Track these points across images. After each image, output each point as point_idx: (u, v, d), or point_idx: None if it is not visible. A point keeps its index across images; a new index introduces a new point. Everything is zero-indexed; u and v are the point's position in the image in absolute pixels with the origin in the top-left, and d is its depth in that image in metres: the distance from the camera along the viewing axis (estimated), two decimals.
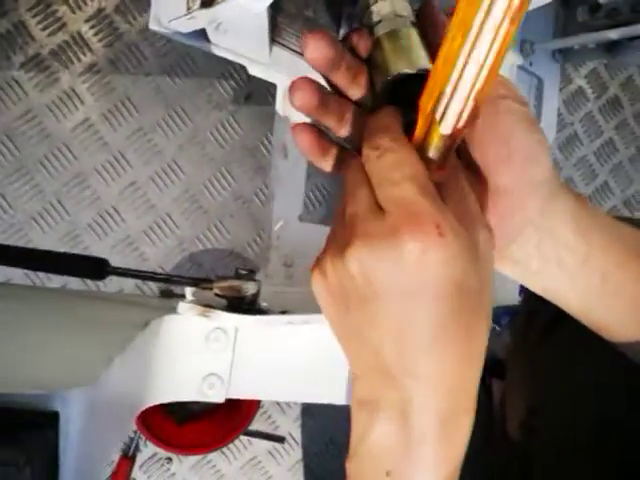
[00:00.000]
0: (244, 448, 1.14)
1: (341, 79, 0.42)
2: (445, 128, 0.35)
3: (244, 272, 0.55)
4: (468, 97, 0.33)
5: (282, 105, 0.65)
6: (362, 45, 0.42)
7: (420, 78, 0.41)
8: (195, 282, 0.57)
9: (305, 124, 0.43)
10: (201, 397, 0.60)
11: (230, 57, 0.56)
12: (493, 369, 1.19)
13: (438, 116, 0.35)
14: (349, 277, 0.35)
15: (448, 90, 0.33)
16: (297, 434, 1.16)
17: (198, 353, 0.59)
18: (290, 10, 0.60)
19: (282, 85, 0.62)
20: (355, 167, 0.38)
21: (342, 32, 0.67)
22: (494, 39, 0.31)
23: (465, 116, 0.34)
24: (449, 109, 0.34)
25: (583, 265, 0.43)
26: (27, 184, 1.06)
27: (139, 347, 0.57)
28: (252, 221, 1.15)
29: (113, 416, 0.59)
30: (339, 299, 0.37)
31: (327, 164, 0.44)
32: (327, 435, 1.16)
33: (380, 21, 0.43)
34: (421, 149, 0.37)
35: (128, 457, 1.05)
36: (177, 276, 0.59)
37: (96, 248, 1.09)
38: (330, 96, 0.42)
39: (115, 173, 1.09)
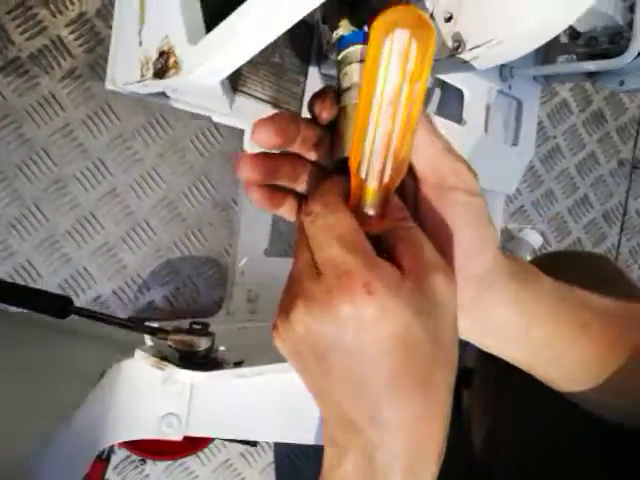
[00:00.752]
0: (217, 451, 1.17)
1: (296, 149, 0.42)
2: (372, 184, 0.37)
3: (198, 327, 0.56)
4: (385, 156, 0.36)
5: (249, 147, 0.65)
6: (324, 116, 0.42)
7: None
8: (152, 331, 0.59)
9: (256, 185, 0.43)
10: (160, 435, 0.62)
11: (191, 110, 0.57)
12: (464, 379, 1.21)
13: (363, 174, 0.37)
14: (299, 339, 0.36)
15: (367, 151, 0.36)
16: None
17: (155, 395, 0.60)
18: (255, 59, 0.60)
19: (249, 129, 0.62)
20: (299, 229, 0.39)
21: (310, 70, 0.67)
22: (397, 102, 0.34)
23: (388, 172, 0.37)
24: (371, 168, 0.37)
25: (523, 337, 0.44)
26: (5, 190, 1.06)
27: (97, 395, 0.58)
28: (230, 228, 1.15)
29: (72, 455, 0.61)
30: (297, 357, 0.38)
31: (285, 214, 0.45)
32: None
33: (349, 88, 0.42)
34: (358, 206, 0.38)
35: (102, 459, 1.08)
36: (136, 323, 0.60)
37: (75, 254, 1.10)
38: (282, 160, 0.42)
39: (94, 180, 1.10)
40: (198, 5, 0.46)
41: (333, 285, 0.34)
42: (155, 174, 1.12)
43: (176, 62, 0.44)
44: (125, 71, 0.49)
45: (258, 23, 0.40)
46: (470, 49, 0.56)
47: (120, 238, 1.12)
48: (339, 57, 0.43)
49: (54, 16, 1.06)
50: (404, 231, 0.38)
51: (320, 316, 0.34)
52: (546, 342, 0.45)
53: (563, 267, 0.79)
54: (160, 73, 0.46)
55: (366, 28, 0.43)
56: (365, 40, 0.42)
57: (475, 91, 0.92)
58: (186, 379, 0.56)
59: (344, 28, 0.43)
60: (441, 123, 0.85)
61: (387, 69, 0.32)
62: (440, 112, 0.86)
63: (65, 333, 0.64)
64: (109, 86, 0.51)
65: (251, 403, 0.61)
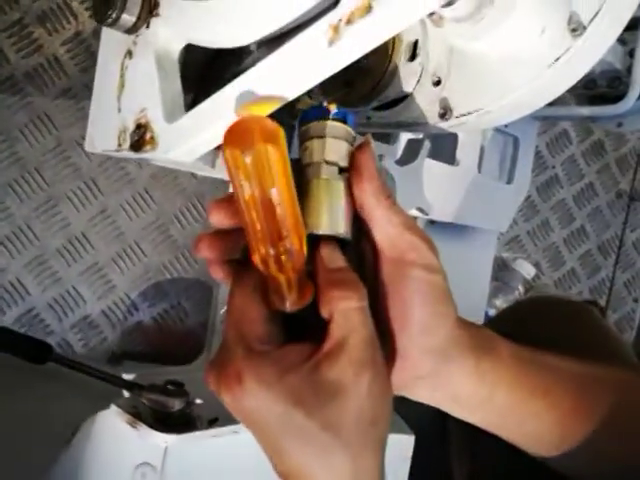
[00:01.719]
0: None
1: None
2: (274, 272, 0.37)
3: (172, 388, 0.56)
4: (269, 247, 0.36)
5: None
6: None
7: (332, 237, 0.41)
8: (128, 386, 0.58)
9: (216, 263, 0.43)
10: None
11: (176, 167, 0.56)
12: None
13: (260, 264, 0.37)
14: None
15: (254, 243, 0.36)
16: None
17: (130, 445, 0.60)
18: None
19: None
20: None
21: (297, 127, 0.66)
22: (258, 205, 0.35)
23: (284, 258, 0.37)
24: (267, 258, 0.37)
25: (485, 405, 0.45)
26: None
27: (70, 454, 0.58)
28: None
29: None
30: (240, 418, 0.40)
31: None
32: None
33: (310, 164, 0.42)
34: (275, 289, 0.39)
35: None
36: (112, 376, 0.60)
37: (64, 274, 1.09)
38: (237, 237, 0.42)
39: (86, 199, 1.09)
40: (178, 80, 0.45)
41: (219, 367, 0.38)
42: (147, 195, 1.11)
43: (152, 138, 0.44)
44: (103, 137, 0.49)
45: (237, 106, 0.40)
46: (457, 117, 0.56)
47: (110, 258, 1.11)
48: (299, 131, 0.43)
49: (50, 35, 1.05)
50: (337, 313, 0.39)
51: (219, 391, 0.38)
52: (509, 410, 0.46)
53: (545, 315, 0.78)
54: (136, 146, 0.45)
55: (325, 103, 0.43)
56: (321, 115, 0.43)
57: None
58: (159, 441, 0.56)
59: (303, 103, 0.43)
60: (434, 165, 0.84)
61: (237, 180, 0.34)
62: (433, 153, 0.85)
63: (38, 379, 0.64)
64: (88, 149, 0.51)
65: (226, 461, 0.61)
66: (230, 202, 0.40)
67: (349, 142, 0.44)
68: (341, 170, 0.43)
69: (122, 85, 0.48)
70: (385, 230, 0.42)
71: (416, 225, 0.44)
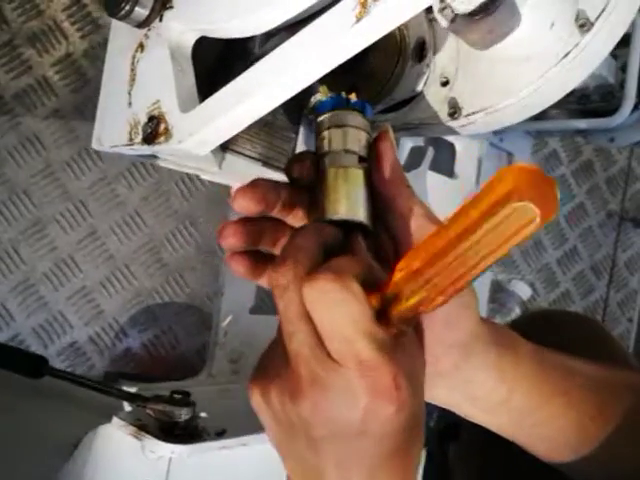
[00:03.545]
0: None
1: (276, 214, 0.42)
2: (421, 309, 0.34)
3: (178, 397, 0.53)
4: (451, 294, 0.33)
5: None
6: (303, 179, 0.42)
7: (354, 224, 0.40)
8: (130, 397, 0.56)
9: (238, 254, 0.42)
10: None
11: (180, 169, 0.55)
12: (449, 433, 1.19)
13: (413, 288, 0.34)
14: (298, 417, 0.35)
15: (434, 272, 0.33)
16: None
17: (133, 463, 0.57)
18: None
19: (236, 187, 0.60)
20: (292, 298, 0.36)
21: (301, 132, 0.65)
22: (477, 256, 0.31)
23: (437, 300, 0.34)
24: (435, 298, 0.34)
25: (503, 405, 0.44)
26: None
27: (71, 469, 0.55)
28: (214, 274, 1.13)
29: None
30: (284, 427, 0.37)
31: (264, 283, 0.43)
32: None
33: (329, 152, 0.41)
34: (388, 302, 0.35)
35: None
36: (114, 388, 0.57)
37: (51, 298, 1.06)
38: (263, 225, 0.42)
39: (75, 222, 1.07)
40: (192, 72, 0.44)
41: (359, 378, 0.34)
42: (138, 218, 1.09)
43: (166, 129, 0.42)
44: (112, 133, 0.47)
45: (253, 97, 0.39)
46: (466, 115, 0.55)
47: (99, 282, 1.08)
48: (317, 121, 0.43)
49: (40, 56, 1.04)
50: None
51: (337, 405, 0.34)
52: (527, 410, 0.45)
53: (551, 327, 0.79)
54: (149, 139, 0.43)
55: (344, 94, 0.43)
56: (340, 104, 0.42)
57: (467, 145, 0.91)
58: (166, 452, 0.53)
59: (322, 93, 0.43)
60: (433, 177, 0.84)
61: (489, 231, 0.29)
62: (432, 166, 0.85)
63: (37, 395, 0.61)
64: (95, 146, 0.49)
65: (233, 474, 0.58)
66: (255, 188, 0.40)
67: (368, 132, 0.43)
68: (360, 159, 0.42)
69: (133, 79, 0.46)
70: (406, 220, 0.41)
71: (436, 216, 0.43)
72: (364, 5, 0.34)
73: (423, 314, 0.36)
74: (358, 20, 0.34)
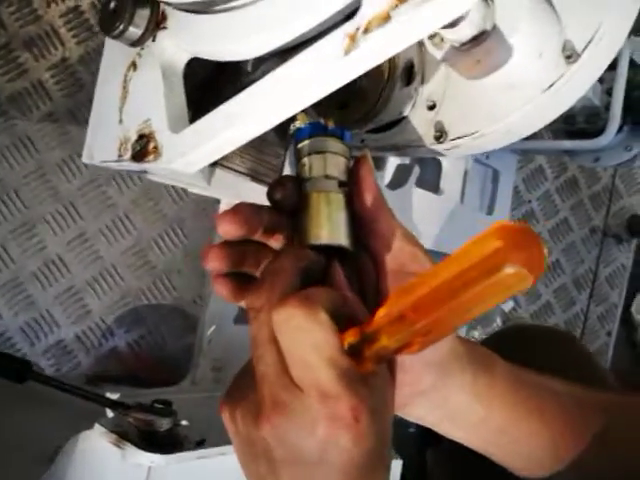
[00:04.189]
0: None
1: (259, 237, 0.43)
2: (401, 352, 0.35)
3: (160, 406, 0.54)
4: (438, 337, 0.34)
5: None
6: (284, 202, 0.43)
7: (335, 248, 0.41)
8: (113, 405, 0.57)
9: (222, 277, 0.43)
10: None
11: (170, 183, 0.56)
12: (427, 439, 1.20)
13: (396, 340, 0.34)
14: (260, 439, 0.36)
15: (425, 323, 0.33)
16: None
17: (113, 469, 0.58)
18: None
19: (225, 200, 0.61)
20: (263, 321, 0.37)
21: (290, 148, 0.66)
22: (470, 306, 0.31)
23: (418, 344, 0.34)
24: (417, 344, 0.34)
25: (480, 423, 0.45)
26: None
27: (56, 470, 0.56)
28: (200, 278, 1.14)
29: None
30: (248, 448, 0.38)
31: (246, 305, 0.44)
32: None
33: (310, 178, 0.43)
34: (366, 339, 0.36)
35: None
36: (96, 395, 0.58)
37: (39, 297, 1.07)
38: (246, 249, 0.43)
39: (64, 223, 1.07)
40: (183, 92, 0.46)
41: (318, 404, 0.34)
42: (127, 220, 1.10)
43: (156, 148, 0.43)
44: (103, 148, 0.48)
45: (243, 121, 0.40)
46: (452, 139, 0.57)
47: (86, 282, 1.09)
48: (297, 147, 0.44)
49: (36, 60, 1.05)
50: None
51: (295, 428, 0.35)
52: (503, 428, 0.46)
53: (530, 342, 0.80)
54: (138, 156, 0.45)
55: (322, 120, 0.44)
56: (319, 131, 0.43)
57: (453, 162, 0.93)
58: (146, 461, 0.54)
59: (301, 120, 0.44)
60: (418, 193, 0.86)
61: (481, 291, 0.30)
62: (418, 181, 0.86)
63: (19, 400, 0.62)
64: (86, 160, 0.50)
65: None
66: (237, 213, 0.41)
67: (346, 157, 0.45)
68: (340, 184, 0.43)
69: (125, 96, 0.47)
70: (386, 241, 0.42)
71: (415, 237, 0.44)
72: (353, 38, 0.35)
73: (400, 355, 0.36)
74: (347, 53, 0.35)
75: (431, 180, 0.92)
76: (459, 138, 0.55)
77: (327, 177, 0.43)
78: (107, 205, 1.09)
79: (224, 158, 0.60)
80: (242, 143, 0.41)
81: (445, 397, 0.43)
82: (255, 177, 0.62)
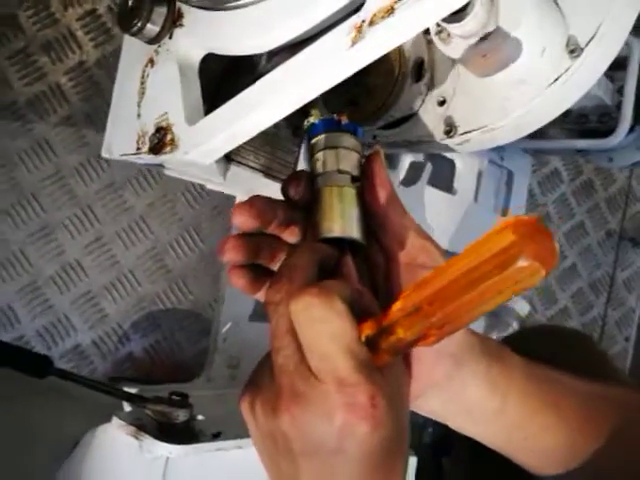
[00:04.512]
0: None
1: (273, 230, 0.44)
2: (416, 344, 0.35)
3: (177, 398, 0.55)
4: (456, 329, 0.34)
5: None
6: (297, 197, 0.44)
7: (347, 241, 0.42)
8: (131, 398, 0.58)
9: (238, 268, 0.44)
10: None
11: (185, 178, 0.57)
12: (443, 447, 1.20)
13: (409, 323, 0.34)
14: (279, 430, 0.36)
15: (447, 319, 0.33)
16: None
17: (130, 463, 0.59)
18: None
19: (240, 197, 0.62)
20: (282, 313, 0.38)
21: (304, 145, 0.67)
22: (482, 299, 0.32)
23: (435, 340, 0.34)
24: (432, 336, 0.34)
25: (496, 416, 0.45)
26: None
27: (70, 469, 0.56)
28: (216, 282, 1.14)
29: None
30: (267, 440, 0.38)
31: (262, 298, 0.44)
32: None
33: (323, 173, 0.44)
34: (383, 332, 0.36)
35: None
36: (115, 389, 0.59)
37: (56, 301, 1.08)
38: (261, 241, 0.43)
39: (82, 227, 1.09)
40: (198, 86, 0.47)
41: (336, 393, 0.34)
42: (143, 224, 1.12)
43: (173, 140, 0.44)
44: (122, 142, 0.50)
45: (256, 111, 0.41)
46: (462, 134, 0.57)
47: (103, 287, 1.10)
48: (311, 143, 0.45)
49: (54, 64, 1.07)
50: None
51: (313, 418, 0.35)
52: (519, 422, 0.45)
53: (547, 342, 0.79)
54: (156, 149, 0.46)
55: (336, 116, 0.45)
56: (332, 127, 0.44)
57: (466, 161, 0.93)
58: (163, 452, 0.55)
59: (315, 116, 0.45)
60: (432, 193, 0.86)
61: (495, 283, 0.30)
62: (431, 181, 0.87)
63: (38, 395, 0.63)
64: (105, 155, 0.51)
65: (229, 476, 0.60)
66: (252, 205, 0.41)
67: (359, 153, 0.45)
68: (353, 179, 0.44)
69: (143, 92, 0.49)
70: (397, 234, 0.43)
71: (426, 232, 0.45)
72: (359, 30, 0.36)
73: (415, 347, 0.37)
74: (353, 44, 0.36)
75: (445, 180, 0.92)
76: (468, 132, 0.56)
77: (340, 172, 0.44)
78: (124, 209, 1.11)
79: (239, 154, 0.61)
80: (255, 133, 0.42)
81: (459, 388, 0.43)
82: (269, 173, 0.63)
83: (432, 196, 0.86)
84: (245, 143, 0.61)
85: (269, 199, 0.43)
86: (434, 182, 0.87)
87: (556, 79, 0.51)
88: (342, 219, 0.43)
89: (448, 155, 0.92)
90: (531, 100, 0.53)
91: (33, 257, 1.07)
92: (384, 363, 0.36)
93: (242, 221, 0.41)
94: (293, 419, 0.35)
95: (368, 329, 0.36)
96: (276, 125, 0.67)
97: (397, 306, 0.35)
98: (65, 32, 1.06)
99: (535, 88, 0.52)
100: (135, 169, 1.10)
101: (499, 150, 0.99)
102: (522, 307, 1.25)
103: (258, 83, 0.41)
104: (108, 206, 1.10)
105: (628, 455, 0.50)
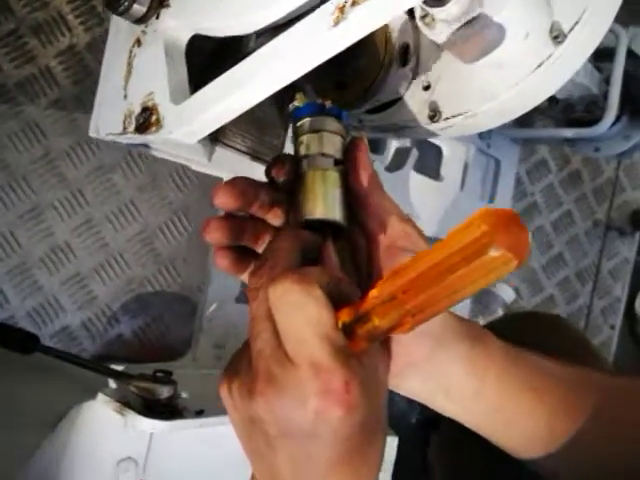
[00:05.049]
0: None
1: (255, 212, 0.45)
2: (392, 331, 0.36)
3: (161, 375, 0.56)
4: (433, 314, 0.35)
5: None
6: (280, 179, 0.45)
7: (330, 222, 0.43)
8: (116, 374, 0.58)
9: (222, 249, 0.45)
10: None
11: (172, 159, 0.57)
12: (430, 423, 1.21)
13: (389, 319, 0.35)
14: (255, 413, 0.37)
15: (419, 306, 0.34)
16: None
17: (115, 438, 0.60)
18: None
19: (226, 179, 0.63)
20: (262, 299, 0.39)
21: (290, 129, 0.68)
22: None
23: (409, 324, 0.35)
24: (408, 323, 0.35)
25: (475, 397, 0.46)
26: None
27: (55, 439, 0.57)
28: (204, 265, 1.15)
29: None
30: (245, 423, 0.39)
31: (247, 279, 0.45)
32: None
33: (306, 156, 0.44)
34: (359, 319, 0.36)
35: None
36: (101, 366, 0.60)
37: (46, 283, 1.08)
38: (245, 222, 0.44)
39: (72, 209, 1.09)
40: (184, 66, 0.47)
41: (310, 379, 0.35)
42: (133, 207, 1.12)
43: (158, 120, 0.45)
44: (108, 122, 0.50)
45: (240, 90, 0.41)
46: (446, 118, 0.58)
47: (93, 269, 1.11)
48: (295, 126, 0.46)
49: (44, 46, 1.07)
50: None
51: (288, 403, 0.35)
52: (497, 405, 0.46)
53: (529, 327, 0.81)
54: (141, 128, 0.46)
55: (320, 100, 0.46)
56: (317, 110, 0.45)
57: (453, 148, 0.94)
58: (147, 427, 0.56)
59: (299, 100, 0.46)
60: (419, 179, 0.87)
61: (469, 272, 0.31)
62: (418, 168, 0.88)
63: (23, 371, 0.64)
64: (92, 134, 0.52)
65: (211, 453, 0.61)
66: (233, 185, 0.42)
67: (343, 136, 0.46)
68: (336, 162, 0.45)
69: (129, 72, 0.49)
70: (379, 218, 0.44)
71: (407, 215, 0.45)
72: (342, 10, 0.37)
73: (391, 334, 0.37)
74: (336, 24, 0.37)
75: (431, 166, 0.93)
76: (452, 117, 0.57)
77: (323, 155, 0.45)
78: (113, 192, 1.11)
79: (225, 136, 0.62)
80: (239, 113, 0.43)
81: (439, 369, 0.44)
82: (255, 156, 0.64)
83: (419, 182, 0.87)
84: (233, 126, 0.62)
85: (252, 180, 0.44)
86: (421, 169, 0.88)
87: (539, 65, 0.52)
88: (324, 202, 0.43)
89: (435, 142, 0.93)
90: (514, 85, 0.53)
91: (22, 238, 1.07)
92: (361, 349, 0.37)
93: (223, 202, 0.42)
94: (268, 403, 0.36)
95: (345, 316, 0.37)
96: (264, 109, 0.68)
97: (373, 294, 0.36)
98: (55, 15, 1.06)
99: (518, 73, 0.53)
100: (124, 152, 1.11)
101: (486, 138, 1.00)
102: (508, 294, 1.27)
103: (243, 62, 0.42)
104: (98, 189, 1.10)
105: (610, 438, 0.51)
